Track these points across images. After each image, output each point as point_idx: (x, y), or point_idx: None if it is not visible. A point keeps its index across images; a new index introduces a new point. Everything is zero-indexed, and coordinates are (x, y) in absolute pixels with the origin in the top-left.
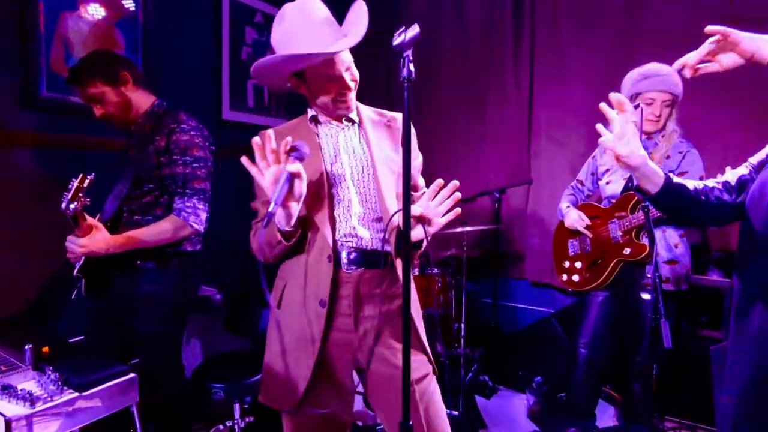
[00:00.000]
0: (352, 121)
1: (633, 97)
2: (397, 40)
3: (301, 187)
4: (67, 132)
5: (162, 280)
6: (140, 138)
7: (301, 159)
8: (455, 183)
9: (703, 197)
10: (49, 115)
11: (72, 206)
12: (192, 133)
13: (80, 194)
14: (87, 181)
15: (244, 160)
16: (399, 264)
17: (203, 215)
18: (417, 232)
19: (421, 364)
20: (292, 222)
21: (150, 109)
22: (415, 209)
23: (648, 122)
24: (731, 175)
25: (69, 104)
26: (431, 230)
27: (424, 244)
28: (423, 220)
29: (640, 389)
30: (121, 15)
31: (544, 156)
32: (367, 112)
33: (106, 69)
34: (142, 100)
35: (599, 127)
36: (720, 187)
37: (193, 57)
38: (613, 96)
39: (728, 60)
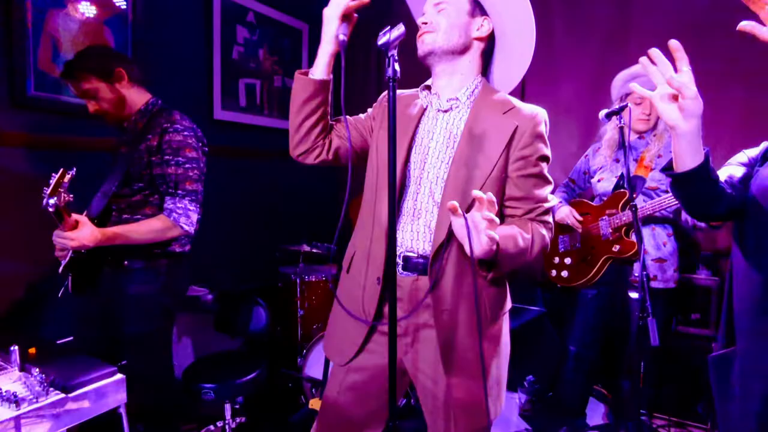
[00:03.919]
0: (458, 101)
1: (623, 97)
2: (382, 40)
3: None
4: (55, 131)
5: (149, 281)
6: (132, 136)
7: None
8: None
9: (727, 189)
10: (37, 114)
11: (52, 201)
12: (185, 133)
13: (60, 189)
14: (68, 176)
15: None
16: (450, 278)
17: (194, 217)
18: (467, 247)
19: (475, 411)
20: (317, 73)
21: (144, 107)
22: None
23: (639, 121)
24: (733, 170)
25: (57, 103)
26: (477, 247)
27: (498, 267)
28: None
29: (629, 387)
30: (110, 13)
31: None
32: (491, 98)
33: (101, 65)
34: (137, 97)
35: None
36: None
37: (183, 56)
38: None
39: None
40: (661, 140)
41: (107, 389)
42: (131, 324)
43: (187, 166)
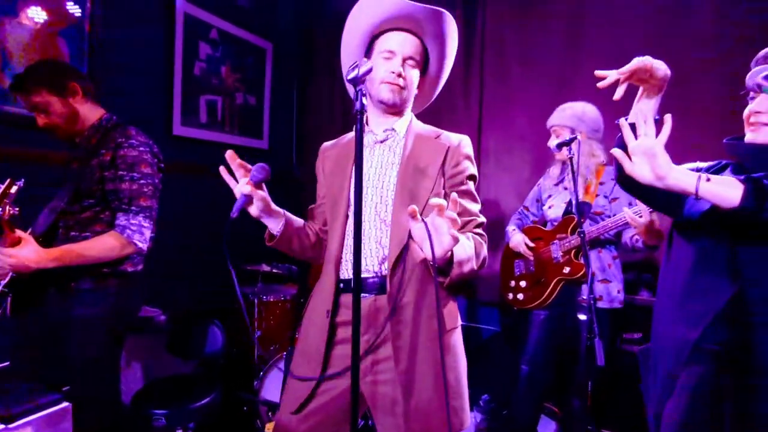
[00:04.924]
0: (394, 132)
1: (550, 128)
2: (351, 75)
3: (259, 205)
4: (3, 144)
5: (98, 302)
6: (84, 151)
7: (254, 181)
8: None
9: None
10: None
11: None
12: (141, 149)
13: (6, 200)
14: (15, 188)
15: (221, 170)
16: (409, 291)
17: (148, 234)
18: (427, 250)
19: (435, 424)
20: (274, 230)
21: (98, 123)
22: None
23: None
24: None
25: (5, 115)
26: (439, 249)
27: (453, 271)
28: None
29: (578, 404)
30: (65, 23)
31: (492, 180)
32: (421, 128)
33: (54, 79)
34: (90, 112)
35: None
36: None
37: (143, 70)
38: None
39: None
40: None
41: (51, 418)
42: (77, 348)
43: (141, 182)
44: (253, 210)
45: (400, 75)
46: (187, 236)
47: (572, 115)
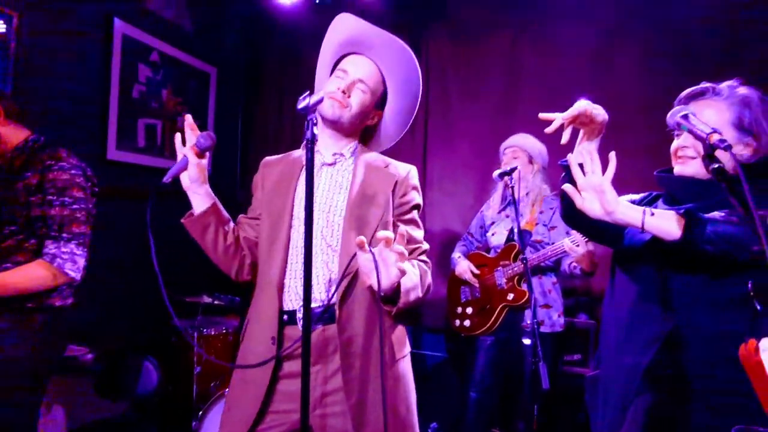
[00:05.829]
0: (342, 157)
1: (501, 152)
2: (301, 104)
3: (192, 172)
4: None
5: (18, 341)
6: (6, 174)
7: (199, 148)
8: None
9: None
10: None
11: None
12: (72, 171)
13: None
14: None
15: (176, 135)
16: (359, 319)
17: (81, 262)
18: (374, 281)
19: None
20: (196, 210)
21: (22, 144)
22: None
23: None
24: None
25: None
26: (386, 280)
27: (401, 300)
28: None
29: (524, 427)
30: None
31: (436, 207)
32: (369, 155)
33: None
34: (13, 134)
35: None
36: None
37: (76, 91)
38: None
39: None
40: (539, 196)
41: None
42: None
43: (74, 206)
44: (185, 179)
45: (344, 92)
46: (120, 266)
47: (533, 145)
